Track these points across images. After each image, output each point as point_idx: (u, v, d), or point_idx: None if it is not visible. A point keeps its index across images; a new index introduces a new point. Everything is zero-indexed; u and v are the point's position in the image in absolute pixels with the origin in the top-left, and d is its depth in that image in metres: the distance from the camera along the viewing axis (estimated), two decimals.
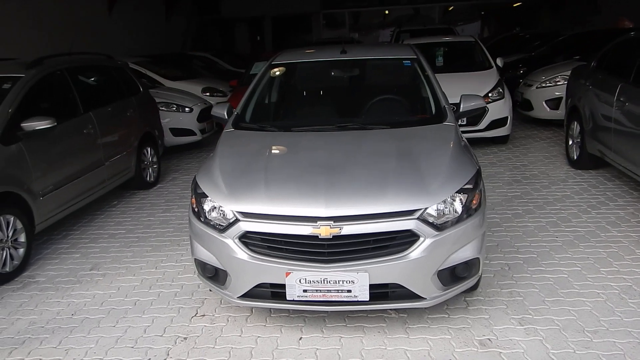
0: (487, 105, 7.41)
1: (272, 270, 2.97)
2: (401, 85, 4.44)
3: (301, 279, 2.93)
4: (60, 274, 4.38)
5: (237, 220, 3.04)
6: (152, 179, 6.80)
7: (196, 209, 3.27)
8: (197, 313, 3.59)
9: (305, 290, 2.94)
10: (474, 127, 7.48)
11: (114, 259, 4.59)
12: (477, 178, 3.24)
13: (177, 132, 8.34)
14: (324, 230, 2.89)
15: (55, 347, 3.30)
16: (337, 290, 2.92)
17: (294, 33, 21.38)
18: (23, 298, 3.98)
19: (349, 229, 2.90)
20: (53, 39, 11.46)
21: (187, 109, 8.44)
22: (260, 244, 3.03)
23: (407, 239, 2.95)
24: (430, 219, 2.98)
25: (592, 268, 3.94)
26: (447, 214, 3.03)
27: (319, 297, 2.94)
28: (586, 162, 6.31)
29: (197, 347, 3.20)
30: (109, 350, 3.23)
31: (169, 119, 8.17)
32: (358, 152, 3.39)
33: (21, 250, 4.46)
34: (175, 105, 8.43)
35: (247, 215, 3.03)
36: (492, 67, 8.21)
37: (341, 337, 3.21)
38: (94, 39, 13.18)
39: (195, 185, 3.36)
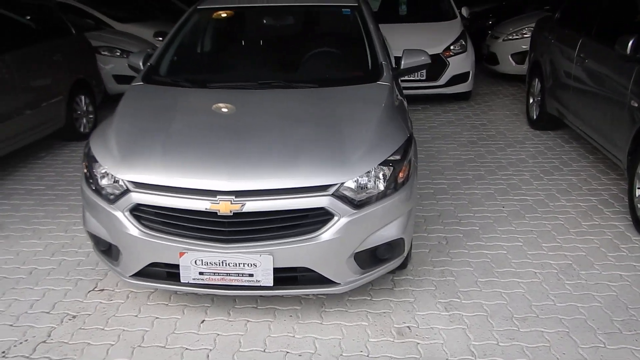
0: (448, 60, 7.03)
1: (165, 249, 2.61)
2: (338, 37, 3.98)
3: (197, 260, 2.58)
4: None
5: (127, 191, 2.65)
6: (87, 130, 6.28)
7: (88, 175, 2.86)
8: (96, 287, 3.23)
9: (201, 273, 2.60)
10: (433, 82, 7.08)
11: (22, 219, 4.18)
12: (406, 147, 2.87)
13: (120, 79, 7.71)
14: (224, 206, 2.52)
15: None
16: (238, 274, 2.58)
17: None
18: None
19: (252, 205, 2.53)
20: None
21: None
22: (154, 218, 2.65)
23: (320, 217, 2.60)
24: (348, 196, 2.62)
25: (534, 243, 3.67)
26: (368, 190, 2.67)
27: (216, 280, 2.60)
28: (545, 122, 6.01)
29: (85, 327, 2.86)
30: None
31: (113, 65, 7.55)
32: (275, 115, 2.99)
33: None
34: (119, 50, 7.79)
35: (139, 185, 2.64)
36: (457, 17, 7.73)
37: (248, 321, 2.89)
38: None
39: (87, 148, 2.94)
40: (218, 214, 2.53)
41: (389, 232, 2.76)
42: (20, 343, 2.76)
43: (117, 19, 9.69)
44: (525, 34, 8.07)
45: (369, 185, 2.67)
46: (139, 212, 2.66)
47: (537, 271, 3.34)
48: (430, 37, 7.19)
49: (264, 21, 4.12)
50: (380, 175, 2.71)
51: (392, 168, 2.74)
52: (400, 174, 2.79)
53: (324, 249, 2.59)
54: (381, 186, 2.70)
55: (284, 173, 2.59)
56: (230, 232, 2.56)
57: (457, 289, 3.17)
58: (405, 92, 7.04)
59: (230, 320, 2.90)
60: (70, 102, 5.94)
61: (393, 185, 2.74)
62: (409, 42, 7.03)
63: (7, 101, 4.97)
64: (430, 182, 4.77)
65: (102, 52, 7.53)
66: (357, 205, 2.63)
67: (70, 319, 2.94)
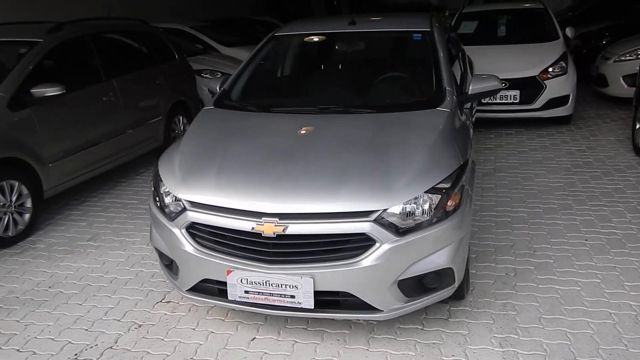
0: (545, 82, 6.69)
1: (215, 266, 2.73)
2: (405, 63, 3.95)
3: (243, 279, 2.67)
4: (59, 242, 4.40)
5: (184, 210, 2.82)
6: None
7: (154, 193, 3.08)
8: (163, 298, 3.44)
9: (247, 292, 2.68)
10: (527, 105, 6.76)
11: (114, 231, 4.56)
12: (458, 175, 2.79)
13: None
14: (267, 228, 2.59)
15: (18, 321, 3.28)
16: (280, 295, 2.64)
17: None
18: (15, 264, 4.03)
19: (295, 228, 2.59)
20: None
21: None
22: (206, 237, 2.79)
23: (362, 243, 2.59)
24: (392, 222, 2.60)
25: (614, 281, 3.38)
26: (414, 217, 2.63)
27: (261, 299, 2.68)
28: None
29: (147, 337, 3.06)
30: (63, 330, 3.16)
31: None
32: (328, 139, 3.03)
33: (27, 216, 4.52)
34: (220, 73, 8.28)
35: (194, 204, 2.80)
36: (559, 37, 7.34)
37: (296, 341, 2.94)
38: (159, 2, 13.32)
39: (156, 167, 3.16)
40: (262, 235, 2.61)
41: (435, 261, 2.68)
42: (91, 347, 3.00)
43: (223, 43, 10.32)
44: None
45: (414, 213, 2.63)
46: (195, 230, 2.81)
47: (612, 312, 3.06)
48: (527, 59, 6.91)
49: (336, 47, 4.20)
50: (427, 203, 2.65)
51: (439, 196, 2.67)
52: (450, 202, 2.71)
53: (365, 274, 2.58)
54: (427, 214, 2.64)
55: (327, 197, 2.62)
56: (273, 253, 2.63)
57: (517, 325, 2.99)
58: (496, 115, 6.94)
59: (279, 340, 2.96)
60: (169, 122, 6.40)
61: (441, 214, 2.67)
62: (504, 64, 6.90)
63: (111, 122, 5.46)
64: (509, 210, 4.55)
65: (204, 75, 8.04)
66: (400, 232, 2.59)
67: (136, 328, 3.15)
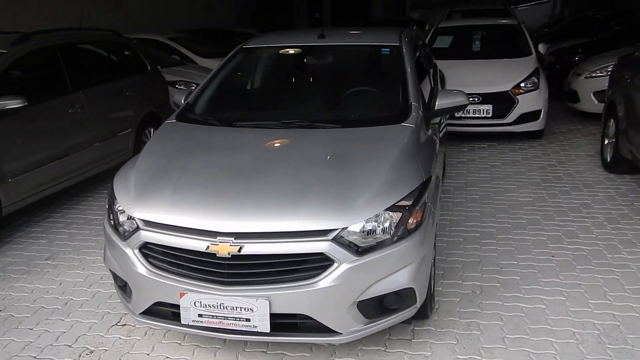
0: (517, 97, 6.73)
1: (168, 288, 2.64)
2: (373, 77, 3.92)
3: (196, 302, 2.58)
4: (16, 261, 4.25)
5: (138, 229, 2.73)
6: None
7: (108, 211, 2.98)
8: (119, 321, 3.32)
9: (200, 315, 2.59)
10: (500, 120, 6.78)
11: (75, 249, 4.42)
12: (420, 192, 2.74)
13: None
14: (222, 248, 2.51)
15: None
16: (235, 318, 2.55)
17: (352, 11, 20.69)
18: None
19: (250, 248, 2.51)
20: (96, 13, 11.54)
21: None
22: (160, 257, 2.69)
23: (319, 263, 2.52)
24: (351, 241, 2.53)
25: (579, 299, 3.35)
26: (374, 236, 2.57)
27: (215, 323, 2.58)
28: (620, 165, 5.54)
29: None
30: (10, 358, 3.02)
31: None
32: (289, 155, 2.96)
33: None
34: (194, 85, 8.20)
35: (148, 223, 2.70)
36: (532, 53, 7.41)
37: None
38: (141, 12, 13.23)
39: (111, 184, 3.07)
40: (217, 255, 2.52)
41: (396, 281, 2.62)
42: None
43: (201, 54, 10.24)
44: (610, 71, 7.56)
45: (374, 231, 2.57)
46: (148, 251, 2.71)
47: (576, 331, 3.03)
48: (500, 74, 6.96)
49: (305, 60, 4.16)
50: (388, 221, 2.60)
51: (400, 214, 2.62)
52: (412, 220, 2.66)
53: (323, 296, 2.51)
54: (388, 232, 2.59)
55: (284, 216, 2.55)
56: (228, 275, 2.55)
57: (481, 345, 2.94)
58: (470, 129, 6.96)
59: None
60: (139, 134, 6.29)
61: (402, 232, 2.62)
62: (477, 79, 6.94)
63: (77, 135, 5.33)
64: (478, 225, 4.52)
65: (178, 86, 7.95)
66: (360, 251, 2.53)
67: (88, 354, 3.01)
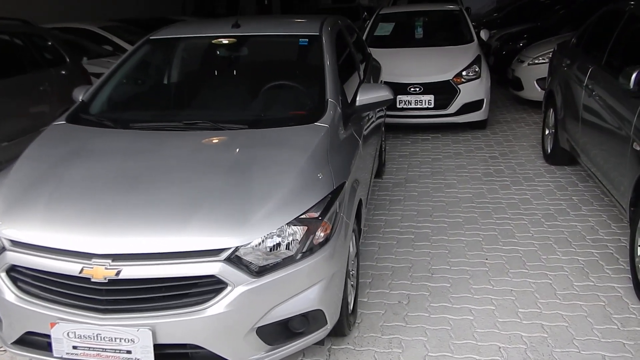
0: (459, 87, 6.53)
1: (38, 317, 2.29)
2: (289, 71, 3.59)
3: (69, 332, 2.24)
4: None
5: (4, 249, 2.35)
6: None
7: None
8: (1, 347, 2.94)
9: (75, 347, 2.25)
10: (442, 111, 6.57)
11: None
12: (329, 202, 2.46)
13: None
14: (97, 272, 2.17)
15: None
16: (115, 350, 2.22)
17: None
18: None
19: (130, 271, 2.18)
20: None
21: None
22: (30, 282, 2.34)
23: (211, 287, 2.21)
24: (247, 261, 2.23)
25: (509, 308, 3.14)
26: (274, 253, 2.27)
27: (92, 356, 2.25)
28: (560, 157, 5.40)
29: None
30: None
31: None
32: (185, 161, 2.62)
33: None
34: None
35: (15, 243, 2.34)
36: (474, 40, 7.22)
37: None
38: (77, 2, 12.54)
39: None
40: (91, 280, 2.18)
41: (302, 303, 2.34)
42: None
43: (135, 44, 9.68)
44: None
45: (274, 248, 2.27)
46: (16, 274, 2.35)
47: (502, 345, 2.81)
48: (441, 63, 6.74)
49: (217, 52, 3.81)
50: (290, 236, 2.31)
51: (305, 228, 2.33)
52: (320, 233, 2.37)
53: (214, 323, 2.20)
54: (290, 249, 2.29)
55: (170, 233, 2.22)
56: (106, 302, 2.21)
57: None
58: (412, 121, 6.73)
59: None
60: None
61: (307, 248, 2.33)
62: (418, 68, 6.70)
63: None
64: (414, 226, 4.29)
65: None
66: (257, 272, 2.23)
67: None
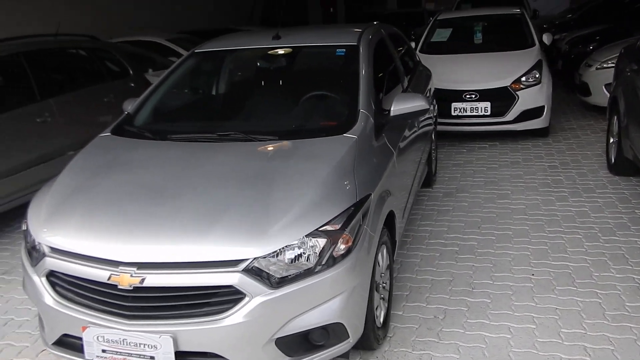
0: (518, 93, 6.30)
1: (73, 321, 2.41)
2: (324, 81, 3.58)
3: (99, 336, 2.34)
4: None
5: (44, 255, 2.50)
6: None
7: (25, 234, 2.77)
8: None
9: (104, 351, 2.35)
10: (499, 118, 6.36)
11: None
12: (352, 213, 2.44)
13: None
14: (123, 279, 2.26)
15: None
16: (139, 355, 2.30)
17: (367, 4, 20.25)
18: None
19: (153, 279, 2.25)
20: (95, 16, 11.51)
21: None
22: (67, 287, 2.47)
23: (230, 297, 2.25)
24: (265, 272, 2.25)
25: (551, 328, 2.99)
26: (293, 265, 2.28)
27: None
28: (624, 166, 5.09)
29: None
30: None
31: None
32: (212, 172, 2.68)
33: None
34: None
35: (54, 250, 2.48)
36: (535, 45, 6.94)
37: None
38: (145, 12, 13.13)
39: (29, 203, 2.85)
40: (118, 286, 2.27)
41: (321, 315, 2.34)
42: None
43: None
44: None
45: (293, 260, 2.28)
46: (55, 279, 2.49)
47: None
48: (499, 69, 6.53)
49: (258, 64, 3.87)
50: (309, 248, 2.31)
51: (325, 240, 2.33)
52: (341, 245, 2.36)
53: (234, 333, 2.24)
54: (308, 261, 2.29)
55: (192, 244, 2.28)
56: (132, 308, 2.30)
57: None
58: (467, 128, 6.55)
59: None
60: None
61: (327, 260, 2.32)
62: (474, 74, 6.53)
63: (47, 144, 5.16)
64: (459, 237, 4.17)
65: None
66: (275, 283, 2.25)
67: None
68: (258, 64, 3.89)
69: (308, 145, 2.84)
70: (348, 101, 3.14)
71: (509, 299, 3.29)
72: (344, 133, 2.86)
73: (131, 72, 6.55)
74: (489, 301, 3.29)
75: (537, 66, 6.48)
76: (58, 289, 2.49)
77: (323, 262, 2.32)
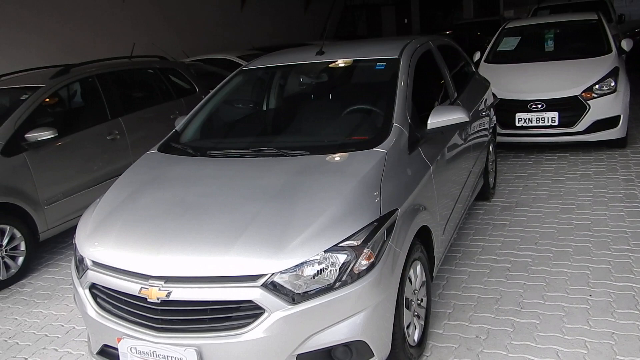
0: (589, 102, 5.96)
1: (110, 332, 2.53)
2: (363, 95, 3.54)
3: (132, 348, 2.43)
4: (45, 285, 4.41)
5: (87, 268, 2.65)
6: None
7: (75, 245, 2.94)
8: None
9: None
10: (568, 128, 6.03)
11: None
12: (375, 229, 2.40)
13: None
14: (151, 292, 2.35)
15: None
16: None
17: (442, 14, 19.95)
18: None
19: (179, 293, 2.32)
20: (183, 36, 12.14)
21: None
22: (105, 299, 2.60)
23: (250, 311, 2.27)
24: (285, 287, 2.26)
25: (605, 354, 2.78)
26: (314, 280, 2.28)
27: None
28: None
29: None
30: None
31: None
32: (240, 187, 2.72)
33: (20, 259, 4.58)
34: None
35: (95, 263, 2.62)
36: (612, 51, 6.53)
37: None
38: (227, 33, 13.68)
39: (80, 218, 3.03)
40: (147, 299, 2.37)
41: (342, 332, 2.31)
42: None
43: None
44: None
45: (313, 276, 2.28)
46: (96, 291, 2.63)
47: None
48: (568, 77, 6.20)
49: (301, 80, 3.91)
50: (329, 264, 2.29)
51: (345, 255, 2.30)
52: (362, 261, 2.33)
53: (254, 348, 2.26)
54: (328, 277, 2.28)
55: (215, 258, 2.33)
56: (161, 321, 2.38)
57: None
58: (533, 139, 6.26)
59: None
60: None
61: (347, 276, 2.30)
62: (541, 83, 6.27)
63: (118, 160, 5.47)
64: (513, 254, 3.99)
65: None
66: (294, 299, 2.25)
67: None
68: (300, 80, 3.93)
69: (337, 160, 2.83)
70: (383, 115, 3.11)
71: (560, 321, 3.10)
72: (375, 147, 2.83)
73: (197, 89, 6.83)
74: (538, 322, 3.11)
75: (613, 74, 6.09)
76: (99, 300, 2.62)
77: (343, 278, 2.29)
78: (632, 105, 6.33)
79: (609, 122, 6.01)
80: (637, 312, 3.11)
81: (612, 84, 6.02)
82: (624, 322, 3.03)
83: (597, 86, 6.02)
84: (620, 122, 6.02)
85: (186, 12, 12.89)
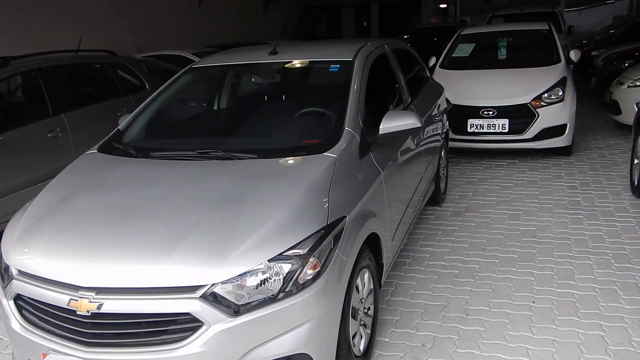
0: (538, 110, 6.08)
1: (35, 347, 2.36)
2: (315, 98, 3.48)
3: None
4: None
5: (12, 278, 2.48)
6: None
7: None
8: None
9: None
10: (517, 135, 6.14)
11: None
12: (321, 237, 2.33)
13: None
14: (81, 304, 2.21)
15: None
16: None
17: (401, 18, 20.14)
18: None
19: (111, 305, 2.19)
20: (137, 31, 11.80)
21: None
22: (31, 311, 2.43)
23: (188, 324, 2.16)
24: (225, 299, 2.17)
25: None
26: (256, 290, 2.19)
27: None
28: None
29: None
30: None
31: None
32: (183, 192, 2.60)
33: None
34: None
35: (21, 272, 2.45)
36: (561, 61, 6.69)
37: None
38: (184, 29, 13.39)
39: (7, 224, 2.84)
40: (77, 312, 2.22)
41: (284, 346, 2.23)
42: None
43: None
44: None
45: (255, 286, 2.19)
46: (22, 303, 2.46)
47: None
48: (519, 85, 6.32)
49: (252, 80, 3.81)
50: (272, 274, 2.21)
51: (289, 264, 2.23)
52: (307, 271, 2.26)
53: None
54: (271, 288, 2.20)
55: (151, 268, 2.21)
56: (91, 335, 2.23)
57: None
58: (484, 145, 6.35)
59: None
60: None
61: (291, 286, 2.22)
62: (493, 90, 6.36)
63: (58, 158, 5.22)
64: (461, 260, 4.01)
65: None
66: (234, 311, 2.16)
67: None
68: (252, 80, 3.84)
69: (285, 165, 2.75)
70: (335, 119, 3.05)
71: (504, 328, 3.12)
72: (325, 152, 2.76)
73: (147, 86, 6.62)
74: (482, 330, 3.12)
75: (561, 83, 6.24)
76: (24, 313, 2.45)
77: (287, 288, 2.22)
78: (578, 114, 6.49)
79: (556, 130, 6.15)
80: (577, 319, 3.16)
81: (560, 93, 6.16)
82: (565, 329, 3.08)
83: (545, 95, 6.15)
84: (567, 131, 6.17)
85: (140, 5, 12.55)
